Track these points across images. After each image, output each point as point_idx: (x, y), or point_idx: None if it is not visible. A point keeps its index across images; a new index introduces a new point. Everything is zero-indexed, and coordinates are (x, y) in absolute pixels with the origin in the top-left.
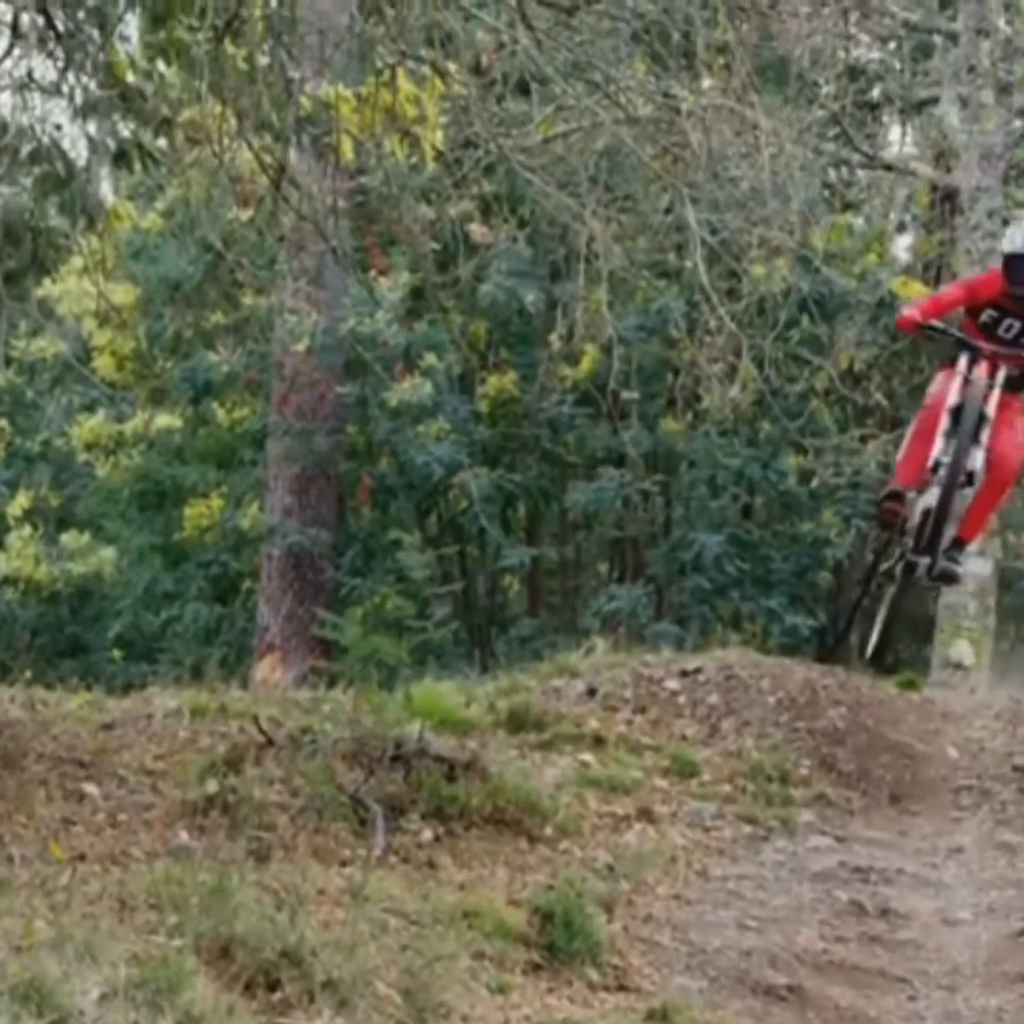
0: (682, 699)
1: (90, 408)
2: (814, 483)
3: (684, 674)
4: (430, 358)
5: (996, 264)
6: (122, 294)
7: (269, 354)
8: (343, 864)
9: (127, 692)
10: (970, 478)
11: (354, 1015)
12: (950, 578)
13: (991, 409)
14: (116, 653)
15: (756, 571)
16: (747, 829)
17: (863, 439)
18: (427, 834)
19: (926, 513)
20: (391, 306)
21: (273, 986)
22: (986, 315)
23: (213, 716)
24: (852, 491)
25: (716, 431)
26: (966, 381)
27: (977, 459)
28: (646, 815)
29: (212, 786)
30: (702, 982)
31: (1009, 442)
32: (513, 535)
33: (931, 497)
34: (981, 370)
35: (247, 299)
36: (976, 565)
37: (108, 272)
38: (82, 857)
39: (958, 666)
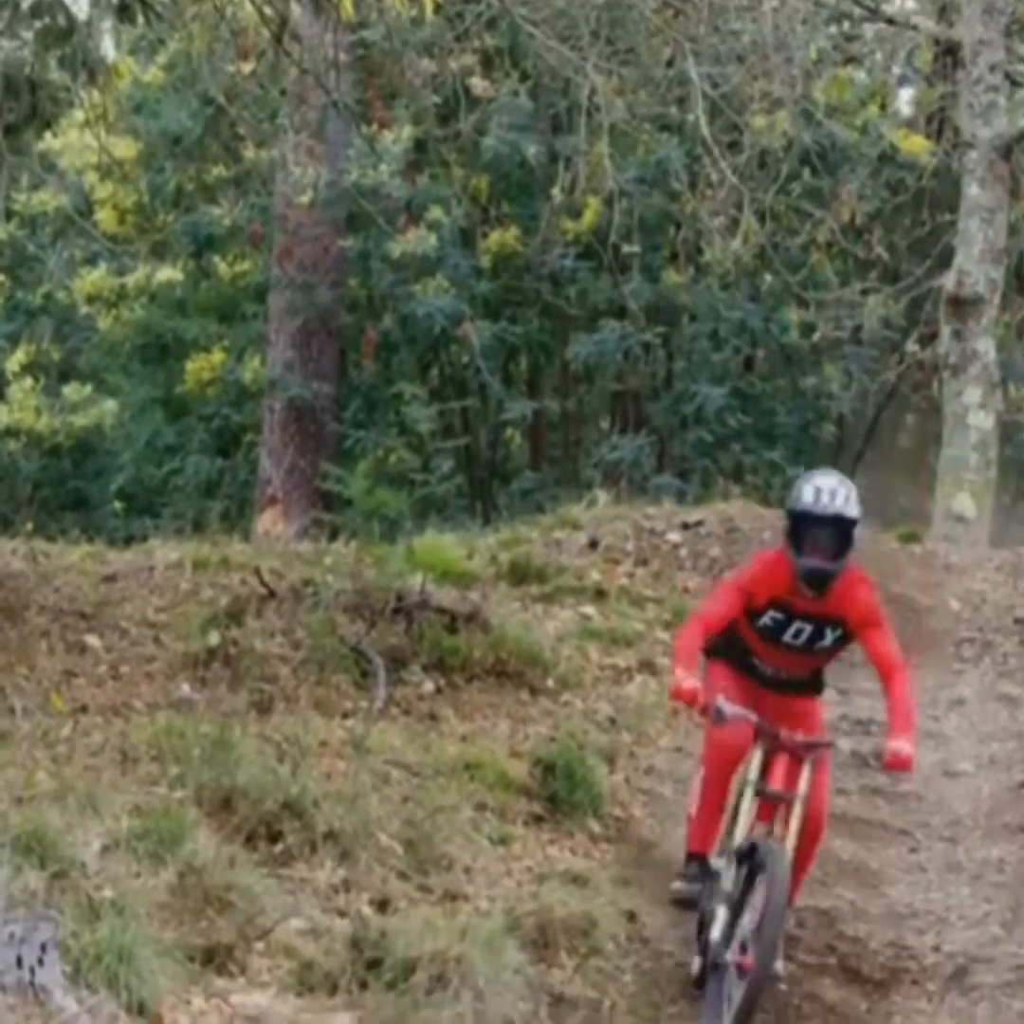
0: (684, 551)
1: (92, 261)
2: (816, 336)
3: (686, 527)
4: (435, 211)
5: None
6: (123, 148)
7: (271, 207)
8: (345, 716)
9: (129, 544)
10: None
11: (356, 866)
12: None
13: (792, 837)
14: (118, 506)
15: (758, 424)
16: None
17: (865, 292)
18: (429, 686)
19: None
20: (393, 159)
21: (275, 837)
22: (768, 618)
23: (215, 568)
24: (854, 345)
25: (718, 284)
26: (762, 798)
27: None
28: (648, 667)
29: (214, 638)
30: None
31: (820, 790)
32: (515, 388)
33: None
34: (780, 767)
35: (249, 152)
36: (977, 418)
37: (109, 126)
38: (84, 709)
39: (960, 519)
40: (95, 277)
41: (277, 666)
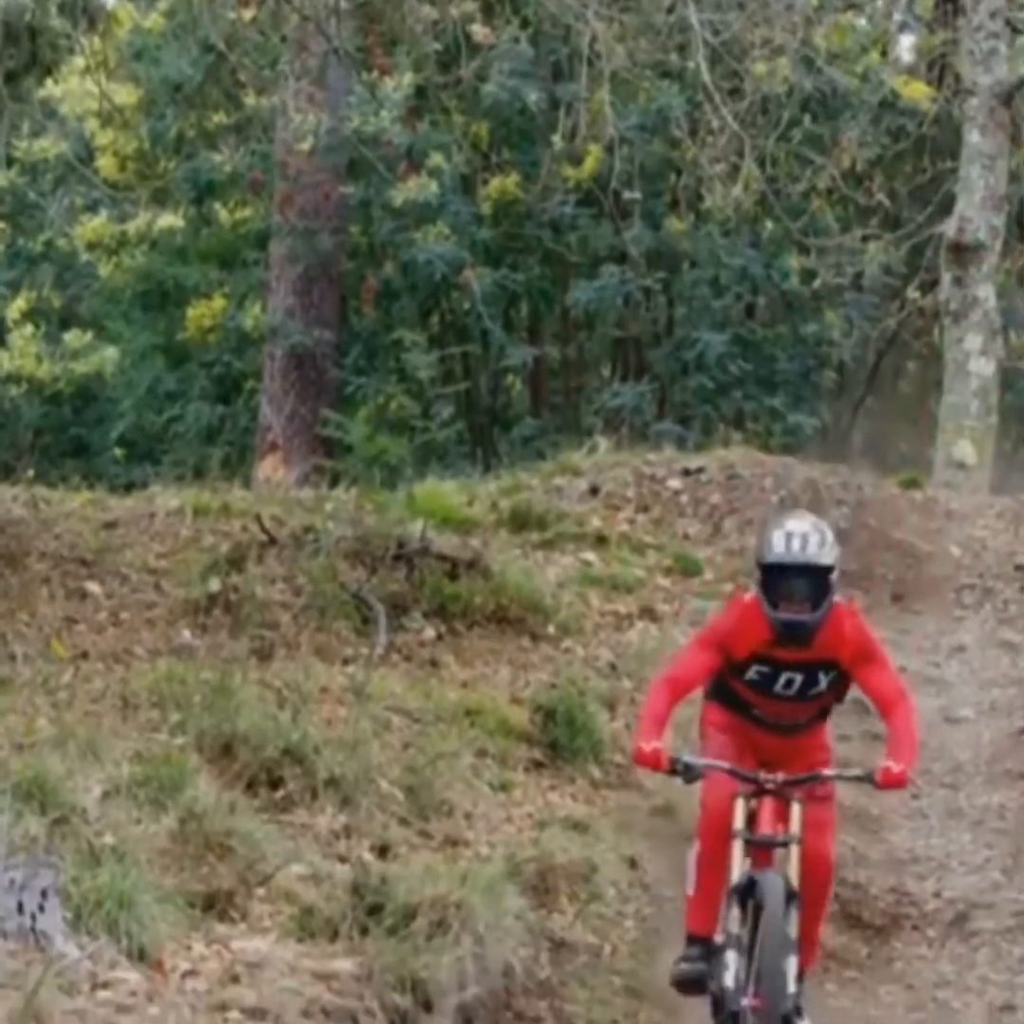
0: (684, 498)
1: (92, 208)
2: (817, 283)
3: (686, 473)
4: (436, 158)
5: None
6: (124, 95)
7: (272, 154)
8: (345, 662)
9: (129, 491)
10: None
11: (357, 812)
12: None
13: (793, 873)
14: (118, 453)
15: (759, 370)
16: None
17: (865, 239)
18: (429, 632)
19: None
20: (394, 106)
21: (275, 784)
22: (754, 672)
23: (215, 515)
24: (855, 292)
25: (719, 231)
26: (753, 846)
27: (788, 968)
28: (649, 613)
29: (215, 585)
30: None
31: (819, 829)
32: (515, 335)
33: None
34: (767, 811)
35: (249, 99)
36: (978, 365)
37: (110, 72)
38: (85, 655)
39: (961, 466)
40: (96, 224)
41: (278, 612)
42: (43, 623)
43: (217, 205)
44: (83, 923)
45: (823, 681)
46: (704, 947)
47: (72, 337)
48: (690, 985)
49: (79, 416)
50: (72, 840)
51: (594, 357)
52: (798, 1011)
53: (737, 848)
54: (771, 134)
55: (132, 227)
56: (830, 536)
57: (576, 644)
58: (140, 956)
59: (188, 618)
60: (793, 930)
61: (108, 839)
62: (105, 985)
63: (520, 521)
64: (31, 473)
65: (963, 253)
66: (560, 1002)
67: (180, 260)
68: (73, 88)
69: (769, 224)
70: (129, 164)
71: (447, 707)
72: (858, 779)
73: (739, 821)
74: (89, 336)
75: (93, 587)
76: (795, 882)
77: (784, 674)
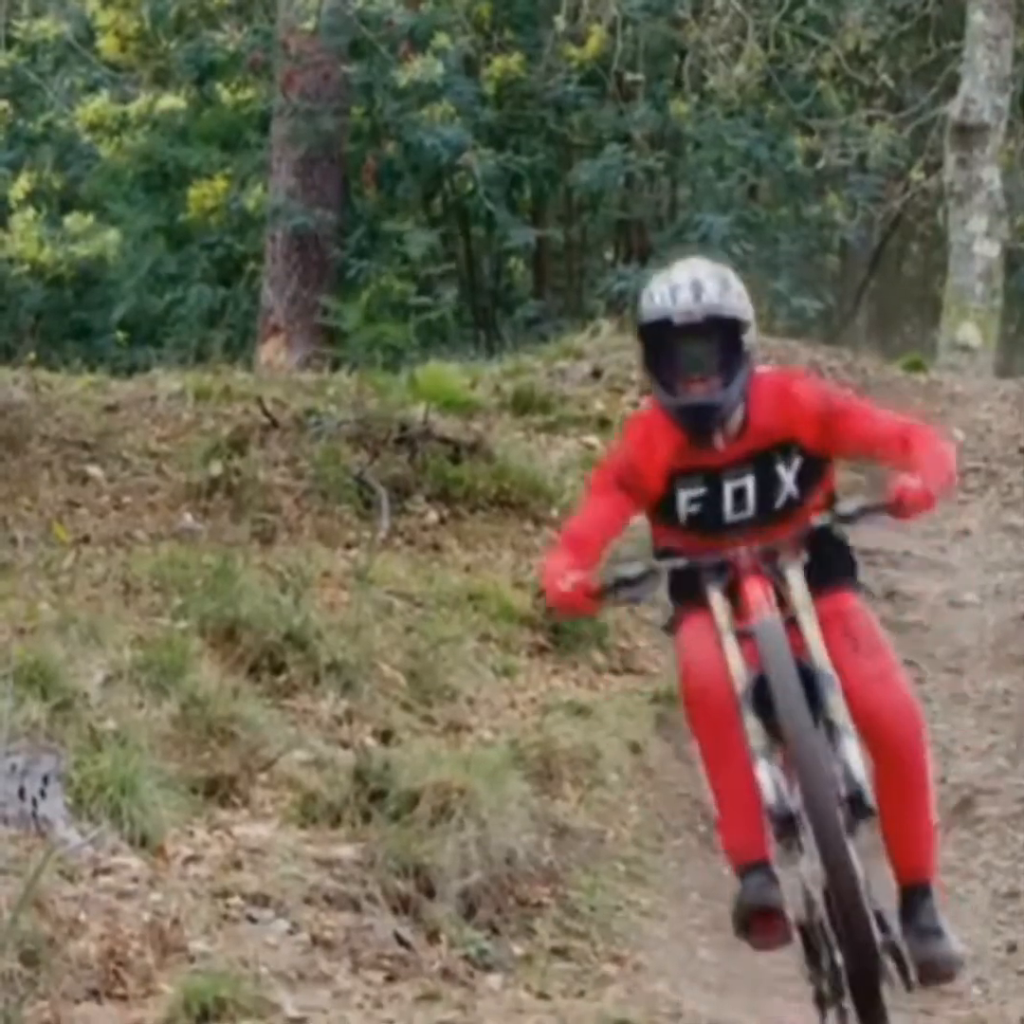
0: None
1: (93, 89)
2: (821, 164)
3: None
4: (440, 39)
5: None
6: None
7: (274, 34)
8: (348, 546)
9: (131, 374)
10: (855, 800)
11: (359, 697)
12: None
13: (816, 650)
14: (120, 336)
15: (763, 253)
16: None
17: (870, 121)
18: (432, 516)
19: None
20: None
21: (277, 668)
22: (685, 502)
23: (217, 398)
24: (860, 173)
25: (722, 112)
26: (742, 635)
27: (847, 755)
28: None
29: (216, 468)
30: None
31: (872, 671)
32: (518, 216)
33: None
34: (754, 592)
35: None
36: (983, 247)
37: None
38: (86, 539)
39: (965, 348)
40: (97, 105)
41: (280, 496)
42: (44, 507)
43: (219, 86)
44: (85, 809)
45: (787, 477)
46: (763, 873)
47: (73, 220)
48: (767, 915)
49: (80, 299)
50: (74, 725)
51: (597, 239)
52: (928, 933)
53: (732, 649)
54: (774, 14)
55: (133, 108)
56: (735, 282)
57: None
58: (142, 842)
59: (190, 502)
60: (835, 704)
61: (110, 724)
62: (107, 871)
63: (523, 404)
64: (32, 356)
65: (968, 134)
66: (563, 888)
67: (181, 141)
68: None
69: (773, 105)
70: (130, 44)
71: (449, 591)
72: (866, 513)
73: (722, 617)
74: (90, 219)
75: (94, 471)
76: (823, 664)
77: (727, 485)
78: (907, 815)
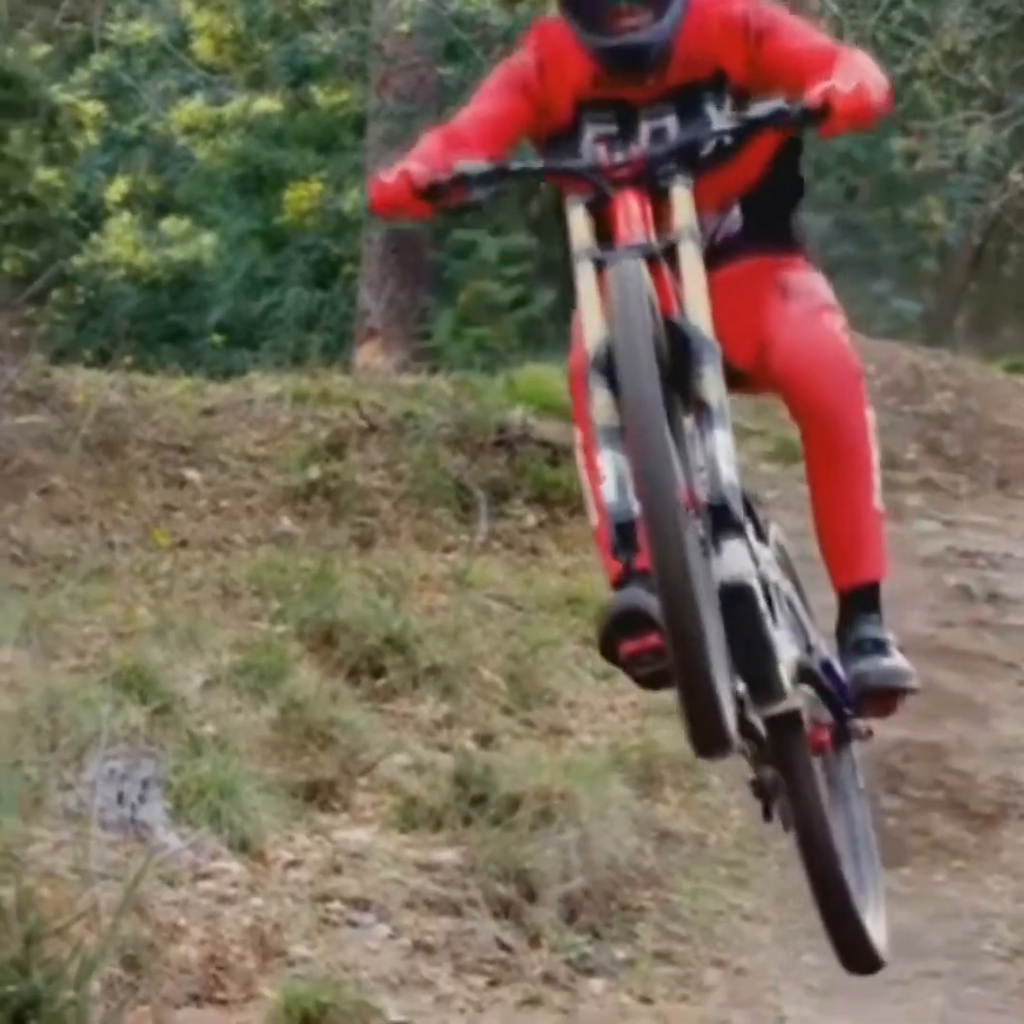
0: None
1: (188, 92)
2: (919, 165)
3: None
4: None
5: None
6: None
7: (369, 36)
8: (446, 550)
9: (228, 378)
10: (718, 509)
11: (459, 701)
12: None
13: (693, 301)
14: (216, 339)
15: (862, 254)
16: None
17: (968, 122)
18: (530, 519)
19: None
20: None
21: (377, 672)
22: (593, 136)
23: (315, 401)
24: (958, 174)
25: None
26: (599, 266)
27: (716, 449)
28: (753, 500)
29: (314, 472)
30: None
31: (797, 312)
32: None
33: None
34: (625, 207)
35: None
36: None
37: None
38: (184, 544)
39: None
40: (192, 108)
41: (378, 500)
42: (142, 511)
43: (314, 88)
44: (184, 813)
45: (714, 115)
46: (640, 584)
47: (169, 224)
48: (627, 629)
49: (177, 303)
50: (173, 730)
51: None
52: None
53: (587, 279)
54: (871, 15)
55: (228, 111)
56: None
57: None
58: (242, 847)
59: (288, 506)
60: (709, 379)
61: (209, 728)
62: (207, 876)
63: None
64: (129, 360)
65: None
66: (665, 893)
67: (277, 144)
68: None
69: None
70: (225, 46)
71: (548, 595)
72: (784, 118)
73: (580, 235)
74: (186, 223)
75: (192, 475)
76: (700, 321)
77: (644, 125)
78: (838, 495)
